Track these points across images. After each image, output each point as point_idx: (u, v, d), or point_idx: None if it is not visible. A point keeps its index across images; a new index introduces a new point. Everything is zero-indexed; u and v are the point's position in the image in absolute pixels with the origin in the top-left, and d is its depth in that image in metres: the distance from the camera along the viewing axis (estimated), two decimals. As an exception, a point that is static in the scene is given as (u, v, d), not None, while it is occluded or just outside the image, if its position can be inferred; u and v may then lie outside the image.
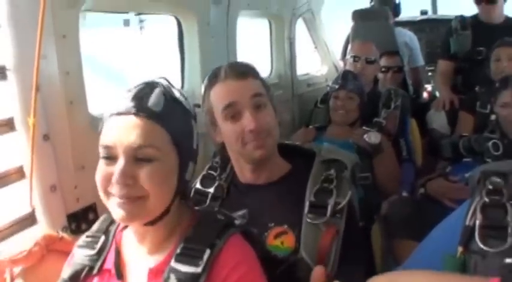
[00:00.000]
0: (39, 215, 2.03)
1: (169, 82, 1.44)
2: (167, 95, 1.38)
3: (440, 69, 4.44)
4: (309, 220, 1.75)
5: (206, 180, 2.00)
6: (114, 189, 1.30)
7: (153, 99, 1.35)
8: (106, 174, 1.31)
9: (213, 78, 1.88)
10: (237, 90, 1.82)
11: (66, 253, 1.62)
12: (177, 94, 1.42)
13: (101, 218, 1.62)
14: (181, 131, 1.40)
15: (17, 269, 1.63)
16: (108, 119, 1.36)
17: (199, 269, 1.31)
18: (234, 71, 1.85)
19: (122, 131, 1.31)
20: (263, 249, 1.58)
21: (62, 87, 2.05)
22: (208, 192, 1.96)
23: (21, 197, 2.00)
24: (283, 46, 4.50)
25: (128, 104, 1.33)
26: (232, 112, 1.81)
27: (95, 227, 1.60)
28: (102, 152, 1.33)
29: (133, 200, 1.30)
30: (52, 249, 1.68)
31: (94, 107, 2.28)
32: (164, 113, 1.35)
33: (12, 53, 1.88)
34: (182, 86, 3.22)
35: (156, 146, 1.32)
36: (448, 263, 1.34)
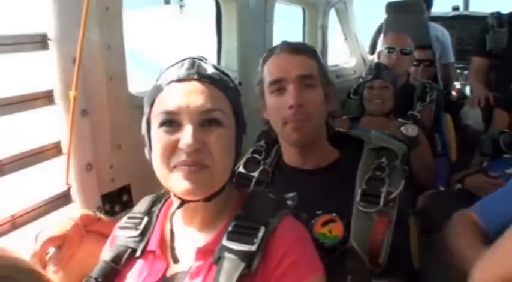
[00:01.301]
0: (74, 193, 1.97)
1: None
2: (215, 67, 1.36)
3: (474, 66, 4.35)
4: (360, 208, 1.67)
5: (250, 164, 1.93)
6: (181, 157, 1.23)
7: (210, 67, 1.33)
8: (169, 142, 1.24)
9: (269, 52, 1.87)
10: (287, 65, 1.79)
11: (103, 235, 1.57)
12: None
13: (143, 200, 1.56)
14: (237, 100, 1.37)
15: (51, 250, 1.55)
16: (164, 86, 1.30)
17: (253, 247, 1.24)
18: (289, 46, 1.83)
19: (187, 95, 1.26)
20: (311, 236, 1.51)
21: (103, 61, 1.98)
22: (253, 176, 1.89)
23: (56, 175, 1.94)
24: (316, 35, 4.47)
25: (189, 71, 1.30)
26: (278, 87, 1.79)
27: (137, 208, 1.53)
28: (163, 118, 1.26)
29: (201, 168, 1.24)
30: (89, 230, 1.60)
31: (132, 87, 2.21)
32: (222, 81, 1.33)
33: (54, 23, 1.81)
34: (218, 69, 3.16)
35: (223, 110, 1.29)
36: None
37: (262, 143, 2.00)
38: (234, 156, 1.35)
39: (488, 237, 1.68)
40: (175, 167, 1.25)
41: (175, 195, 1.34)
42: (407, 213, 2.52)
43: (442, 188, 3.12)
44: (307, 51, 1.83)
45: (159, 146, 1.26)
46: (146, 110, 1.34)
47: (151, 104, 1.32)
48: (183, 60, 1.34)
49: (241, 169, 1.92)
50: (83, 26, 1.68)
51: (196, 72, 1.29)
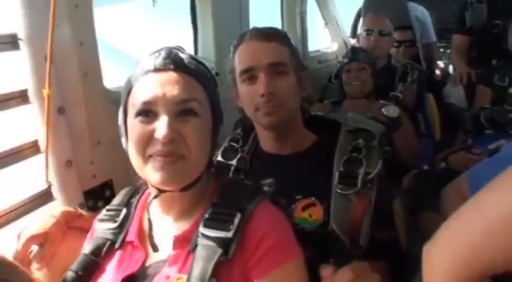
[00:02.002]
0: (55, 191, 1.96)
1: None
2: (192, 57, 1.36)
3: (455, 44, 4.37)
4: (339, 191, 1.68)
5: (228, 153, 1.94)
6: (156, 147, 1.24)
7: (186, 57, 1.33)
8: (144, 132, 1.25)
9: (239, 40, 1.85)
10: (257, 53, 1.77)
11: (85, 230, 1.57)
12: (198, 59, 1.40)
13: (122, 192, 1.57)
14: (214, 90, 1.38)
15: (34, 248, 1.56)
16: (141, 76, 1.31)
17: (230, 234, 1.26)
18: (259, 32, 1.81)
19: (163, 85, 1.27)
20: (290, 222, 1.51)
21: (76, 58, 1.96)
22: (231, 165, 1.89)
23: (36, 173, 1.93)
24: (295, 21, 4.43)
25: (165, 60, 1.30)
26: (249, 75, 1.78)
27: (116, 200, 1.55)
28: (138, 108, 1.27)
29: (176, 158, 1.25)
30: (71, 227, 1.61)
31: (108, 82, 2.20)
32: (199, 71, 1.33)
33: (24, 22, 1.80)
34: (195, 57, 3.15)
35: (199, 100, 1.29)
36: None
37: (239, 131, 2.00)
38: (210, 147, 1.35)
39: None
40: (150, 156, 1.25)
41: (152, 185, 1.35)
42: (392, 194, 2.55)
43: (426, 168, 3.13)
44: (278, 37, 1.81)
45: (135, 136, 1.27)
46: (123, 99, 1.35)
47: (128, 94, 1.32)
48: (160, 49, 1.34)
49: (219, 158, 1.91)
50: (52, 24, 1.67)
51: (172, 61, 1.29)
